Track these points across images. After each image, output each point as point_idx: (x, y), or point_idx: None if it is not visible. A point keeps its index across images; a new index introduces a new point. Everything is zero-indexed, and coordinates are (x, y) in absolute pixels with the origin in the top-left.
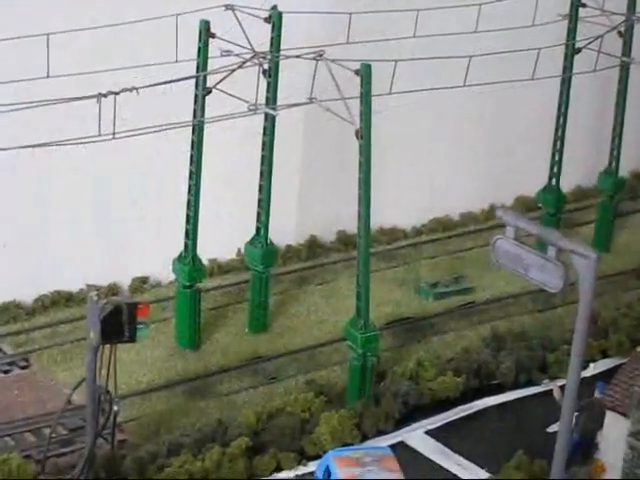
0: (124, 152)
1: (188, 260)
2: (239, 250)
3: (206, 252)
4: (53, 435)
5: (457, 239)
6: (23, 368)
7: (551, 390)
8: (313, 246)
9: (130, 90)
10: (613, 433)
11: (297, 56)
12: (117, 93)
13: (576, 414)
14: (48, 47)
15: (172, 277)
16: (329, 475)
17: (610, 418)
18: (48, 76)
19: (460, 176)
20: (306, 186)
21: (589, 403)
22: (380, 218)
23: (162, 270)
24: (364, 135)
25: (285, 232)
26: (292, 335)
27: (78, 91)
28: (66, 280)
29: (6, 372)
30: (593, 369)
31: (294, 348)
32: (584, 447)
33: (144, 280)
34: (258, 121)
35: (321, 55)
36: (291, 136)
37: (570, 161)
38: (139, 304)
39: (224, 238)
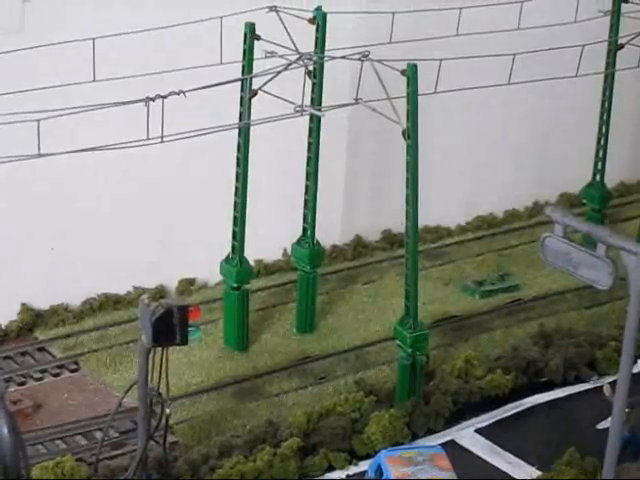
0: (170, 155)
1: (236, 262)
2: (285, 250)
3: (252, 253)
4: (105, 438)
5: (502, 237)
6: (73, 371)
7: (600, 387)
8: (358, 245)
9: (177, 93)
10: None
11: (343, 57)
12: (165, 97)
13: (627, 411)
14: (94, 51)
15: (219, 278)
16: (381, 474)
17: None
18: (94, 80)
19: (503, 174)
20: (351, 186)
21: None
22: (424, 217)
23: (209, 272)
24: (411, 135)
25: (330, 232)
26: (339, 335)
27: (124, 95)
28: (113, 283)
29: (56, 375)
30: None
31: (342, 348)
32: (635, 443)
33: (191, 282)
34: (303, 123)
35: (366, 55)
36: (335, 137)
37: (613, 157)
38: (190, 307)
39: (269, 239)
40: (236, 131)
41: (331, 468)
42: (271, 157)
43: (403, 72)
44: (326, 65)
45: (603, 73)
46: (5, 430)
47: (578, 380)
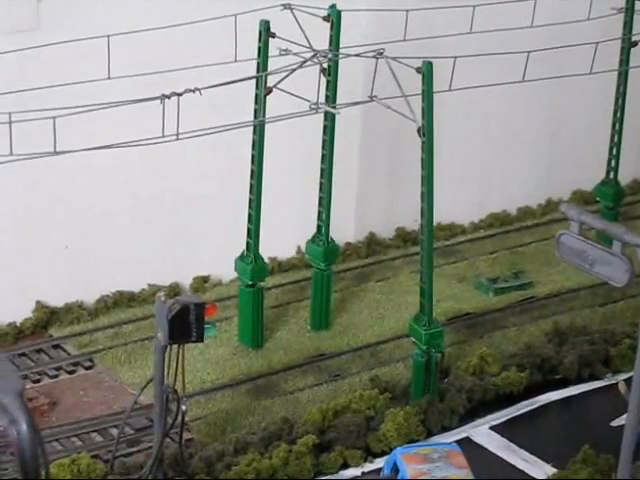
0: (183, 152)
1: (250, 259)
2: (299, 248)
3: (266, 250)
4: (121, 435)
5: (515, 234)
6: (88, 369)
7: (615, 384)
8: (372, 243)
9: (193, 91)
10: None
11: (357, 54)
12: (180, 94)
13: None
14: (109, 48)
15: (233, 276)
16: (397, 472)
17: None
18: (109, 78)
19: (517, 171)
20: (365, 184)
21: None
22: (437, 214)
23: (223, 269)
24: (426, 132)
25: (344, 230)
26: (354, 332)
27: (137, 94)
28: (127, 280)
29: (71, 373)
30: None
31: (356, 345)
32: None
33: (205, 279)
34: (318, 120)
35: (381, 53)
36: (349, 134)
37: (626, 154)
38: (206, 304)
39: (284, 236)
40: (251, 129)
41: (346, 465)
42: (286, 154)
43: (418, 69)
44: (340, 63)
45: (617, 70)
46: (24, 427)
47: (592, 377)
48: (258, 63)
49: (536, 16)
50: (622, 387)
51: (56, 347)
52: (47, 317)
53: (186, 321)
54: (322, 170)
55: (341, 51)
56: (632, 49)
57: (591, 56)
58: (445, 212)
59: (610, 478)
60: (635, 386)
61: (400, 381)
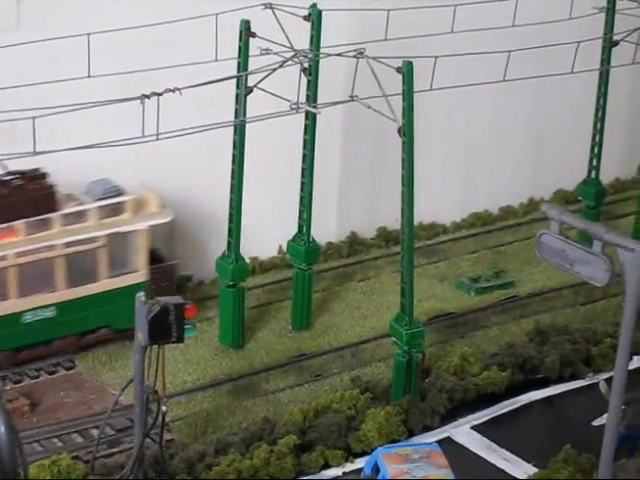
0: (166, 150)
1: (231, 259)
2: (280, 247)
3: (247, 250)
4: (102, 436)
5: (497, 233)
6: (69, 369)
7: (596, 384)
8: (354, 243)
9: (173, 91)
10: None
11: (338, 54)
12: (160, 94)
13: (623, 407)
14: (89, 47)
15: (214, 276)
16: (378, 472)
17: None
18: (89, 76)
19: (499, 171)
20: (346, 183)
21: (636, 396)
22: (419, 214)
23: (205, 269)
24: (407, 132)
25: (326, 229)
26: (335, 332)
27: (119, 92)
28: None
29: (52, 373)
30: (638, 362)
31: (338, 345)
32: (631, 440)
33: (188, 278)
34: (299, 120)
35: (362, 53)
36: (330, 134)
37: (608, 153)
38: (187, 304)
39: (265, 236)
40: (232, 128)
41: (327, 465)
42: (267, 154)
43: (399, 69)
44: (321, 62)
45: (598, 70)
46: (2, 428)
47: (574, 377)
48: (239, 63)
49: (517, 16)
50: (603, 387)
51: None
52: None
53: (166, 322)
54: (303, 170)
55: (322, 51)
56: (613, 48)
57: (573, 55)
58: (427, 212)
59: (591, 477)
60: (616, 386)
61: (381, 381)
